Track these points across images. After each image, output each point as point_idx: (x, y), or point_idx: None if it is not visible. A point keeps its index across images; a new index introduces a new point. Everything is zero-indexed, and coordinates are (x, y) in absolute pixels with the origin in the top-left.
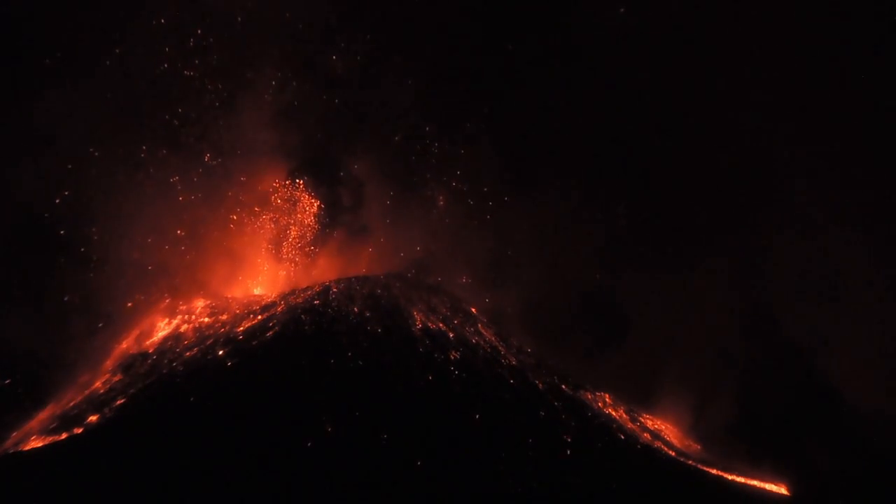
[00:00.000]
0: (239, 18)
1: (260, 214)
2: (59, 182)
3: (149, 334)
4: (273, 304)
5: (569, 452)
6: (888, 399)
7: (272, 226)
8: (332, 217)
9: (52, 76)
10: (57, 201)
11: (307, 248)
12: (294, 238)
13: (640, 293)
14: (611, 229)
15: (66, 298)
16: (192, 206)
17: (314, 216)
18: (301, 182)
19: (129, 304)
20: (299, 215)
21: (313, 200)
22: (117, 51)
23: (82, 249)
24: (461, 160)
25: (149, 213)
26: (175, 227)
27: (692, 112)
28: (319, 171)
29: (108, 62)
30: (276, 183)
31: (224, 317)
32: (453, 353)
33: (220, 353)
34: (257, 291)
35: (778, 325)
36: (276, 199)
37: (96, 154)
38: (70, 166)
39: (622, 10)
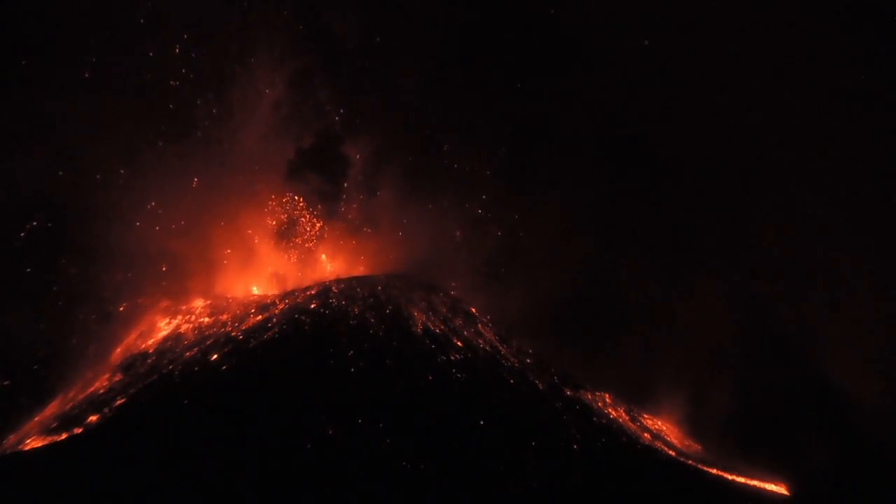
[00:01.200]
0: (233, 18)
1: (262, 215)
2: (57, 182)
3: (149, 334)
4: (273, 304)
5: (569, 453)
6: (889, 398)
7: (273, 226)
8: (333, 217)
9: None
10: (56, 201)
11: (308, 249)
12: (295, 238)
13: (639, 293)
14: (610, 229)
15: (65, 298)
16: (192, 207)
17: (315, 217)
18: (302, 181)
19: (130, 304)
20: (300, 216)
21: (314, 200)
22: (93, 60)
23: (82, 250)
24: (467, 160)
25: (149, 213)
26: (175, 227)
27: (687, 111)
28: (320, 170)
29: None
30: (278, 183)
31: (224, 317)
32: (454, 353)
33: (220, 353)
34: (257, 291)
35: (778, 324)
36: (277, 199)
37: (94, 154)
38: (69, 166)
39: (646, 42)
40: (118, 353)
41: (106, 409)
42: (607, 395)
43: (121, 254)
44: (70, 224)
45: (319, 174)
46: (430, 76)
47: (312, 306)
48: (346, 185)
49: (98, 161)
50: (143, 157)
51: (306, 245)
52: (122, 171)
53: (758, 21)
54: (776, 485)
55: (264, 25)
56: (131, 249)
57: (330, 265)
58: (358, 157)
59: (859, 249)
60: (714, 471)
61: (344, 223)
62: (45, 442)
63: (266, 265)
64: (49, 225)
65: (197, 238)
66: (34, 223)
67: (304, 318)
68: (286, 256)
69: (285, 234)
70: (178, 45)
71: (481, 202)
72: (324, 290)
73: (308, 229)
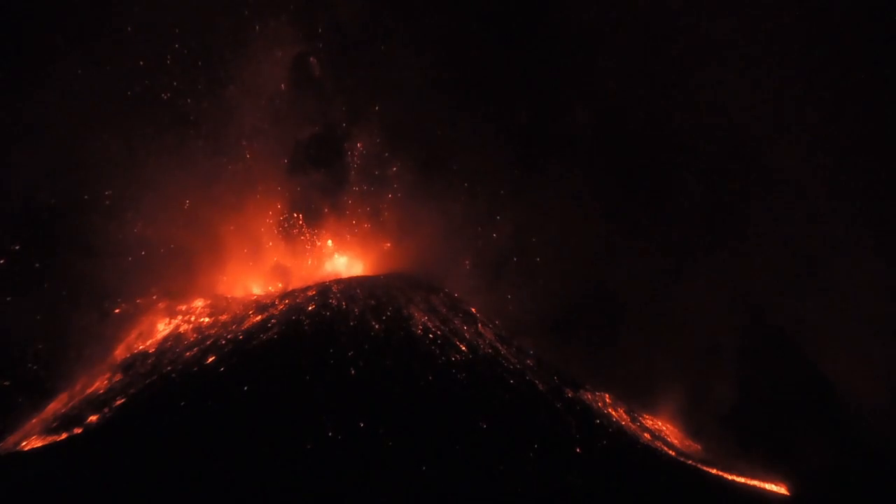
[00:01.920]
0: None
1: (261, 215)
2: (57, 181)
3: (149, 334)
4: (273, 304)
5: (569, 453)
6: (889, 398)
7: (273, 226)
8: (333, 215)
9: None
10: (55, 201)
11: (308, 248)
12: (295, 238)
13: (639, 293)
14: (610, 230)
15: (65, 298)
16: (191, 207)
17: (316, 216)
18: (307, 174)
19: (129, 304)
20: (301, 215)
21: (315, 199)
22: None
23: (82, 250)
24: (471, 161)
25: (149, 212)
26: (174, 227)
27: (688, 109)
28: (321, 168)
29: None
30: (281, 176)
31: (224, 317)
32: (454, 354)
33: (220, 353)
34: (257, 291)
35: (778, 324)
36: (281, 193)
37: (93, 152)
38: (67, 163)
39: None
40: (118, 353)
41: (106, 409)
42: (607, 395)
43: (121, 254)
44: (70, 224)
45: (323, 167)
46: (436, 75)
47: (312, 307)
48: (349, 180)
49: (97, 159)
50: (143, 152)
51: (311, 238)
52: (121, 169)
53: (757, 19)
54: (776, 485)
55: (268, 14)
56: (131, 249)
57: (334, 256)
58: (363, 152)
59: (858, 247)
60: (714, 471)
61: (348, 218)
62: (45, 442)
63: (271, 259)
64: (48, 224)
65: (199, 235)
66: (33, 223)
67: (303, 318)
68: (286, 257)
69: (285, 235)
70: (177, 34)
71: (484, 203)
72: (323, 291)
73: (308, 229)
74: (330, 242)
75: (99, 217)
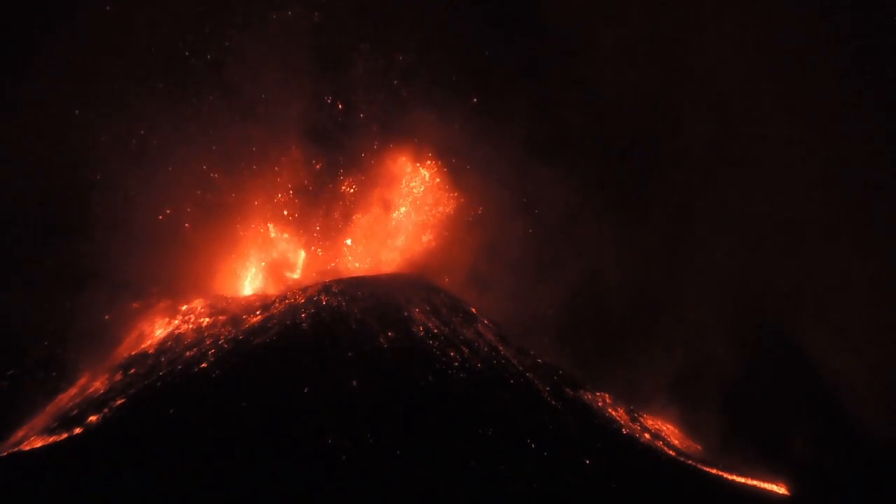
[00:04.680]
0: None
1: (262, 215)
2: (59, 182)
3: (149, 334)
4: (272, 304)
5: (569, 453)
6: (889, 397)
7: (274, 226)
8: (334, 214)
9: None
10: (57, 200)
11: (308, 248)
12: (295, 237)
13: (639, 293)
14: (610, 229)
15: (66, 299)
16: (189, 205)
17: (316, 213)
18: (302, 179)
19: (129, 305)
20: (302, 213)
21: (315, 198)
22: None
23: (83, 251)
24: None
25: (148, 212)
26: (174, 227)
27: (686, 108)
28: (321, 167)
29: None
30: (279, 182)
31: (224, 317)
32: (454, 354)
33: (220, 354)
34: (257, 291)
35: (779, 325)
36: (278, 199)
37: (94, 149)
38: (63, 163)
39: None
40: (118, 353)
41: (106, 409)
42: (607, 395)
43: (120, 256)
44: (71, 224)
45: (326, 163)
46: (440, 72)
47: (312, 308)
48: (352, 177)
49: (96, 152)
50: (143, 145)
51: (306, 244)
52: (122, 163)
53: (756, 17)
54: (776, 485)
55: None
56: (132, 251)
57: (330, 265)
58: (368, 150)
59: (856, 243)
60: (714, 471)
61: (345, 221)
62: (45, 442)
63: (266, 266)
64: (49, 225)
65: (196, 240)
66: (34, 222)
67: (303, 319)
68: (286, 256)
69: (285, 234)
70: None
71: (487, 204)
72: (323, 291)
73: (308, 229)
74: (349, 241)
75: (100, 220)
